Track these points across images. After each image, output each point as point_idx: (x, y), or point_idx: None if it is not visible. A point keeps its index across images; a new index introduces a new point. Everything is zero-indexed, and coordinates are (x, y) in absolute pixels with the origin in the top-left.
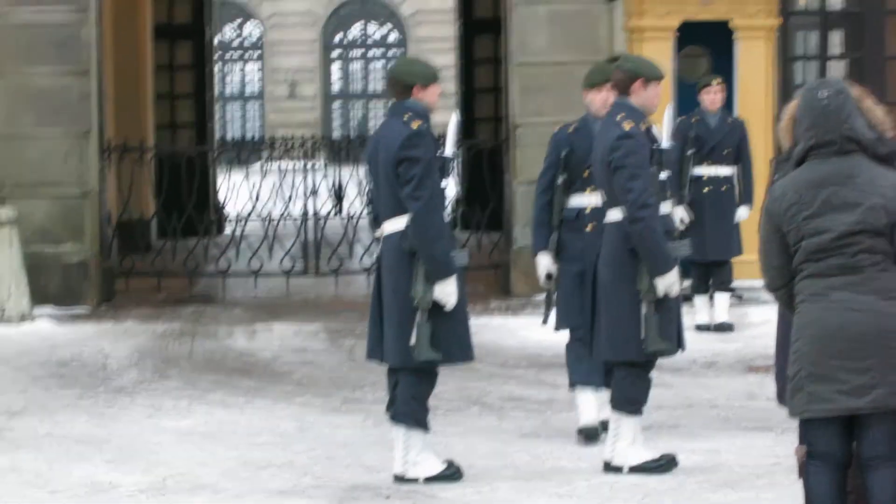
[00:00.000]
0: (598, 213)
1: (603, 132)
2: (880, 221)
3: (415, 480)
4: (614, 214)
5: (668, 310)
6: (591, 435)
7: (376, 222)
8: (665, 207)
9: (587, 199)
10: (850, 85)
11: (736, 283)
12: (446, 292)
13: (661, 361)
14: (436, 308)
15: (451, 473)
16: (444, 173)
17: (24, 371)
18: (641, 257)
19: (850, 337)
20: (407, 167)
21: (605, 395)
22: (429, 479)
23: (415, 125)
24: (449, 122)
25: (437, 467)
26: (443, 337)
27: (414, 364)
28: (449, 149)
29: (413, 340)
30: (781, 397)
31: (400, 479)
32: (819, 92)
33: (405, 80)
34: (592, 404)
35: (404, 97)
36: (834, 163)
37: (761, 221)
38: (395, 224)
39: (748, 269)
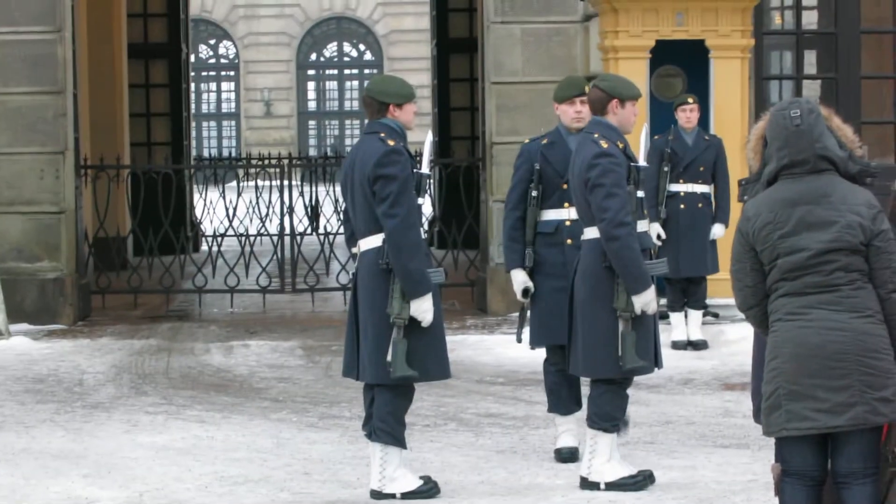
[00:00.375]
0: (577, 226)
1: (580, 150)
2: (856, 239)
3: (392, 496)
4: (591, 232)
5: (646, 328)
6: (567, 457)
7: (352, 240)
8: (642, 226)
9: (565, 213)
10: (818, 104)
11: (712, 301)
12: (422, 309)
13: (637, 378)
14: (412, 325)
15: (428, 489)
16: (419, 191)
17: (1, 387)
18: (618, 275)
19: (829, 356)
20: (383, 185)
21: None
22: (405, 495)
23: (391, 143)
24: (425, 140)
25: (414, 483)
26: (419, 354)
27: (390, 381)
28: (424, 167)
29: (389, 357)
30: (758, 415)
31: (377, 494)
32: (791, 111)
33: (381, 99)
34: (572, 426)
35: (380, 116)
36: (808, 181)
37: (734, 240)
38: (372, 241)
39: (724, 287)
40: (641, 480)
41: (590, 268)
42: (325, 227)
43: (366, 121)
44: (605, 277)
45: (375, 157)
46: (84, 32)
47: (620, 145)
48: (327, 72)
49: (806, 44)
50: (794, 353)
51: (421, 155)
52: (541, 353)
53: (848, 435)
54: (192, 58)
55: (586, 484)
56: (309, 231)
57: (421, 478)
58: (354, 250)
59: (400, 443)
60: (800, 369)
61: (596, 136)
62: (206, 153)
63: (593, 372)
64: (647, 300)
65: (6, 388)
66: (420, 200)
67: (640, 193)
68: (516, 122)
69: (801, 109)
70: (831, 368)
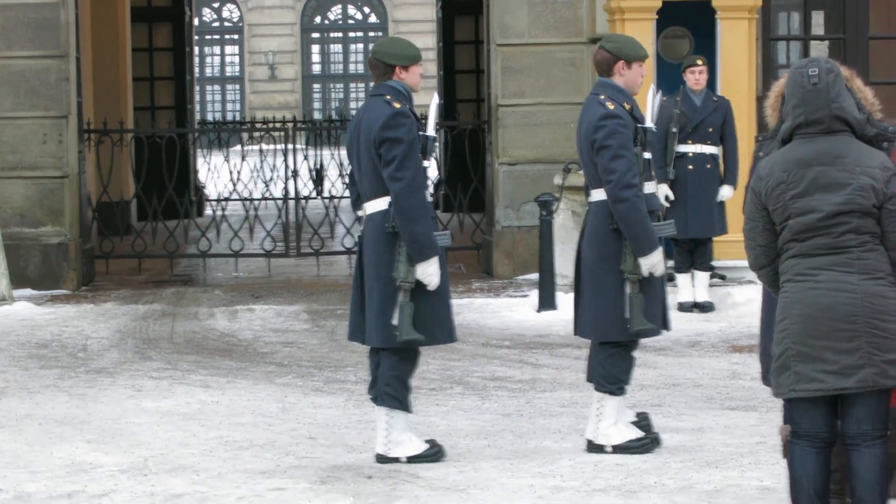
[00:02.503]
0: None
1: (586, 112)
2: (868, 202)
3: (397, 460)
4: (598, 194)
5: (653, 290)
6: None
7: (358, 203)
8: (649, 187)
9: None
10: (840, 65)
11: (719, 263)
12: (429, 273)
13: (644, 341)
14: (418, 288)
15: (434, 453)
16: (426, 154)
17: (4, 352)
18: (625, 237)
19: (838, 317)
20: (388, 148)
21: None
22: (411, 459)
23: (397, 106)
24: (430, 103)
25: (420, 447)
26: (425, 318)
27: (396, 345)
28: (430, 129)
29: (395, 321)
30: (766, 377)
31: (382, 458)
32: (809, 70)
33: (386, 61)
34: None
35: (386, 78)
36: (822, 142)
37: (746, 199)
38: (378, 204)
39: (732, 249)
40: (648, 443)
41: (597, 230)
42: (329, 191)
43: (371, 83)
44: (612, 240)
45: (381, 120)
46: None
47: (627, 106)
48: (332, 35)
49: (814, 4)
50: (803, 315)
51: (427, 117)
52: (545, 317)
53: (857, 397)
54: (196, 21)
55: (593, 447)
56: (313, 195)
57: (427, 441)
58: (360, 213)
59: (405, 406)
60: (809, 331)
61: (602, 97)
62: (209, 117)
63: (601, 335)
64: (654, 262)
65: (9, 353)
66: (426, 163)
67: (647, 155)
68: (522, 84)
69: (819, 68)
70: (840, 330)
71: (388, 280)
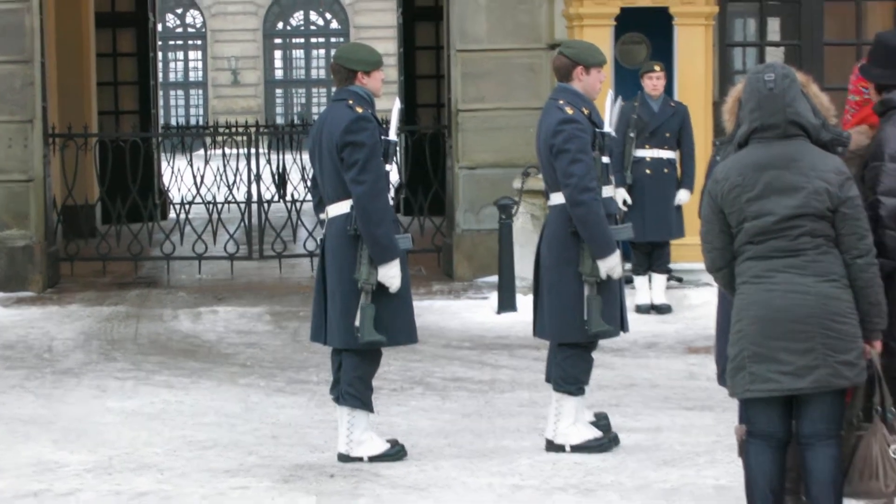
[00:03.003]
0: None
1: (545, 117)
2: (823, 205)
3: (359, 459)
4: (556, 198)
5: (611, 292)
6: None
7: (320, 206)
8: (607, 191)
9: None
10: (797, 70)
11: (676, 266)
12: (390, 275)
13: (602, 342)
14: (380, 290)
15: (395, 452)
16: (387, 158)
17: None
18: (584, 240)
19: (794, 319)
20: (351, 151)
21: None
22: (373, 458)
23: (359, 110)
24: (392, 108)
25: (382, 446)
26: (387, 319)
27: (358, 346)
28: (392, 134)
29: (357, 322)
30: (722, 378)
31: (344, 458)
32: (765, 75)
33: (349, 66)
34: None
35: (348, 83)
36: (777, 146)
37: (703, 203)
38: (340, 208)
39: (689, 252)
40: (606, 443)
41: (556, 233)
42: (292, 195)
43: (333, 88)
44: (571, 243)
45: (344, 124)
46: (51, 1)
47: (586, 111)
48: (294, 40)
49: (769, 10)
50: (758, 316)
51: (389, 122)
52: (505, 319)
53: (811, 397)
54: (160, 27)
55: (552, 447)
56: (276, 198)
57: (388, 441)
58: (322, 216)
59: (367, 406)
60: (764, 332)
61: (561, 102)
62: (173, 121)
63: (560, 336)
64: (612, 265)
65: None
66: (388, 167)
67: (606, 159)
68: (482, 89)
69: (775, 73)
70: (795, 331)
71: (351, 282)
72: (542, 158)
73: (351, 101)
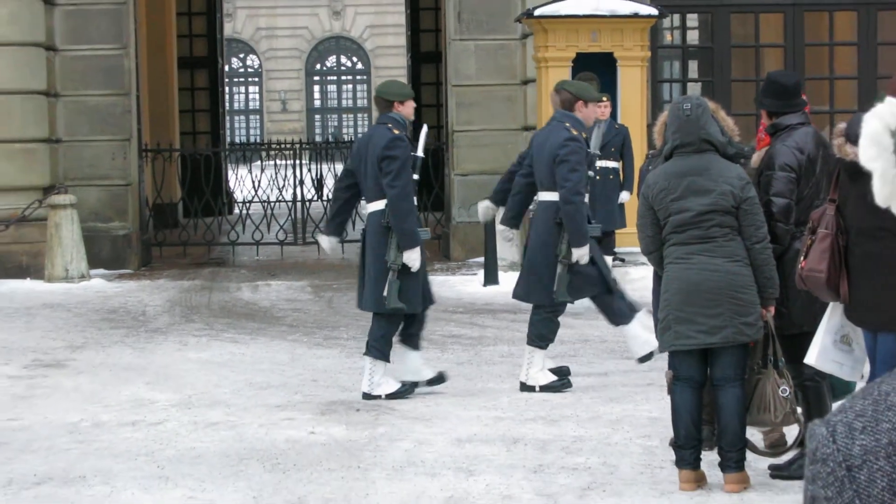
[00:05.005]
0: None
1: (553, 133)
2: (728, 203)
3: (378, 397)
4: (547, 196)
5: (577, 273)
6: None
7: (344, 188)
8: (587, 199)
9: None
10: (709, 100)
11: (620, 250)
12: (412, 258)
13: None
14: (404, 269)
15: (406, 390)
16: (415, 169)
17: (84, 317)
18: (566, 231)
19: (707, 290)
20: (388, 163)
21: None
22: (389, 396)
23: (395, 132)
24: (420, 131)
25: (395, 387)
26: (408, 292)
27: (385, 311)
28: (419, 151)
29: (385, 293)
30: (656, 335)
31: (367, 396)
32: (684, 104)
33: (387, 98)
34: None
35: (387, 110)
36: (693, 159)
37: (639, 202)
38: (377, 205)
39: (629, 239)
40: (566, 383)
41: (544, 222)
42: (327, 195)
43: (366, 114)
44: (553, 231)
45: (384, 142)
46: (144, 48)
47: (584, 135)
48: (329, 77)
49: (690, 55)
50: (679, 288)
51: (417, 141)
52: (489, 291)
53: (721, 350)
54: (227, 67)
55: (525, 387)
56: (315, 198)
57: (400, 382)
58: (363, 210)
59: (386, 358)
60: (684, 300)
61: (567, 124)
62: (237, 140)
63: (531, 298)
64: (583, 253)
65: (87, 317)
66: (415, 176)
67: (590, 173)
68: (471, 115)
69: (691, 103)
70: (708, 300)
71: (382, 262)
72: (543, 164)
73: (390, 125)
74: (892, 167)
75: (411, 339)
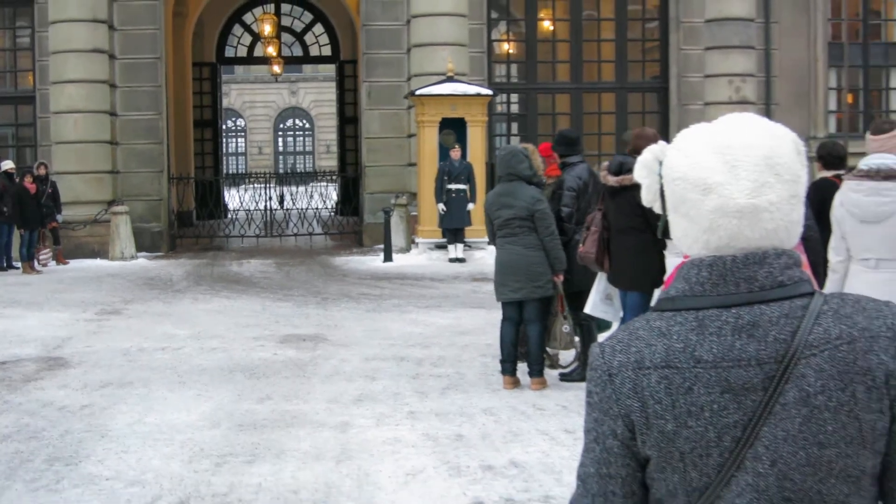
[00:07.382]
0: None
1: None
2: (527, 213)
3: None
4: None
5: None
6: None
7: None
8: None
9: None
10: (526, 147)
11: (469, 240)
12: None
13: (428, 273)
14: None
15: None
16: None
17: (132, 282)
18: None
19: (513, 265)
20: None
21: None
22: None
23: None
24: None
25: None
26: None
27: None
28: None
29: None
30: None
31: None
32: (503, 152)
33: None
34: None
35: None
36: (508, 185)
37: (484, 211)
38: None
39: (474, 233)
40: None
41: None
42: (286, 206)
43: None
44: None
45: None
46: (172, 114)
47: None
48: (288, 133)
49: (512, 119)
50: (500, 263)
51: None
52: (387, 265)
53: (527, 302)
54: (224, 126)
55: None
56: (278, 209)
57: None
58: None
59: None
60: (503, 270)
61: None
62: (230, 171)
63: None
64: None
65: (135, 283)
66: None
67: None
68: (377, 156)
69: (507, 151)
70: (513, 271)
71: None
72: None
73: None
74: (654, 183)
75: None
